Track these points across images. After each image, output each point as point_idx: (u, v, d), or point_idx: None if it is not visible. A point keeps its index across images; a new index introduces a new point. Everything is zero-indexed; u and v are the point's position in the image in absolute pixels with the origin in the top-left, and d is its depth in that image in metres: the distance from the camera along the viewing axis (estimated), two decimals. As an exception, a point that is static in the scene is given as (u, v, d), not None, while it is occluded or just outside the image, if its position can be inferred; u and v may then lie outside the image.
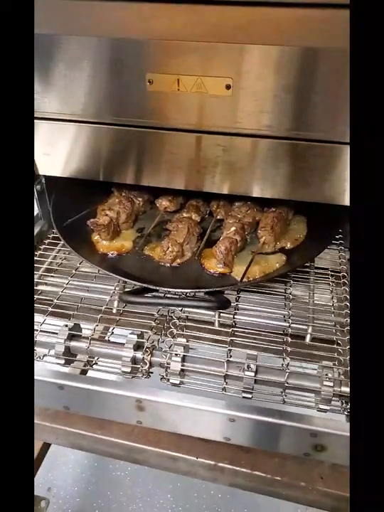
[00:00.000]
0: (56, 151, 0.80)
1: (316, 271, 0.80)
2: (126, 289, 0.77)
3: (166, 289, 0.72)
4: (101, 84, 0.69)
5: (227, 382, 0.60)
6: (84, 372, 0.72)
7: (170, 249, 0.81)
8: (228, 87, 0.63)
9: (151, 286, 0.72)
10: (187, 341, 0.63)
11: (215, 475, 0.75)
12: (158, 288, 0.72)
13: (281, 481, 0.72)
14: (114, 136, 0.74)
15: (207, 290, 0.72)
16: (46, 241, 0.90)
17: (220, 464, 0.73)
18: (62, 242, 0.84)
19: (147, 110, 0.69)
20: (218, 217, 0.94)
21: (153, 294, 0.74)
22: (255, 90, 0.63)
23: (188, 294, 0.73)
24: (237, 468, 0.73)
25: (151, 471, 1.55)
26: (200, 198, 0.99)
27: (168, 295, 0.74)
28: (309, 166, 0.71)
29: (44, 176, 0.90)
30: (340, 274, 0.79)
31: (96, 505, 1.54)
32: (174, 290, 0.72)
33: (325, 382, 0.58)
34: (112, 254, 0.86)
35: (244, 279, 0.74)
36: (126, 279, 0.75)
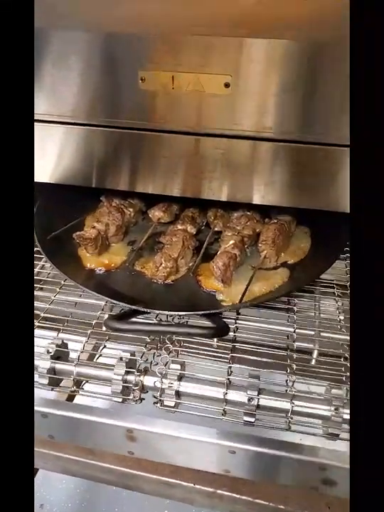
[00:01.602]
0: (44, 155, 0.75)
1: (321, 283, 0.75)
2: (114, 311, 0.71)
3: (158, 312, 0.66)
4: (90, 83, 0.64)
5: (226, 408, 0.55)
6: (71, 398, 0.67)
7: (163, 265, 0.75)
8: (227, 85, 0.59)
9: (141, 308, 0.65)
10: (183, 363, 0.58)
11: (213, 502, 0.70)
12: (149, 311, 0.66)
13: (285, 510, 0.66)
14: (104, 138, 0.70)
15: (203, 312, 0.65)
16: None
17: (219, 491, 0.68)
18: (50, 253, 0.79)
19: (139, 111, 0.65)
20: (216, 228, 0.88)
21: (145, 315, 0.68)
22: (256, 89, 0.59)
23: (182, 317, 0.67)
24: (237, 496, 0.68)
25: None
26: (196, 208, 0.93)
27: (161, 316, 0.67)
28: (313, 171, 0.66)
29: (31, 181, 0.85)
30: (348, 285, 0.73)
31: (90, 522, 1.48)
32: (167, 313, 0.66)
33: (334, 403, 0.53)
34: (99, 270, 0.79)
35: (245, 299, 0.68)
36: (113, 302, 0.68)
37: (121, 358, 0.57)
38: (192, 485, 0.69)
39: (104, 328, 0.65)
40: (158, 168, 0.71)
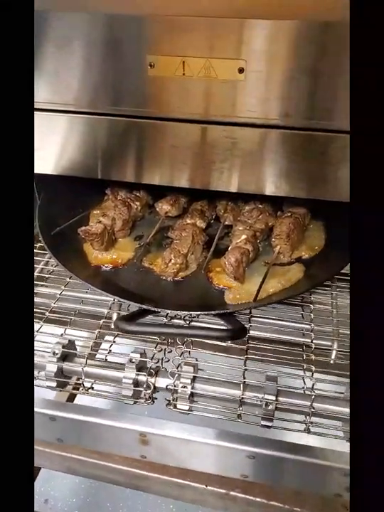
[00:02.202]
0: (47, 145, 0.72)
1: (336, 276, 0.72)
2: (123, 309, 0.69)
3: (168, 311, 0.63)
4: (95, 69, 0.61)
5: (242, 409, 0.53)
6: (72, 397, 0.64)
7: (172, 261, 0.72)
8: (241, 70, 0.55)
9: (151, 308, 0.63)
10: (196, 360, 0.56)
11: (226, 504, 0.68)
12: (159, 310, 0.63)
13: (301, 512, 0.64)
14: (110, 127, 0.66)
15: (217, 312, 0.62)
16: (37, 245, 0.81)
17: (232, 493, 0.66)
18: (54, 247, 0.76)
19: (148, 98, 0.62)
20: (226, 222, 0.85)
21: (155, 315, 0.65)
22: (272, 74, 0.56)
23: (193, 316, 0.64)
24: (251, 498, 0.66)
25: (152, 481, 1.48)
26: (204, 201, 0.90)
27: (171, 315, 0.65)
28: (330, 160, 0.63)
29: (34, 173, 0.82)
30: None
31: (95, 517, 1.47)
32: (179, 313, 0.63)
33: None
34: (106, 267, 0.77)
35: (259, 297, 0.65)
36: (122, 300, 0.65)
37: (131, 360, 0.55)
38: (204, 486, 0.67)
39: (112, 326, 0.62)
40: (167, 158, 0.68)
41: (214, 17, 0.53)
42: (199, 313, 0.62)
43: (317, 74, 0.55)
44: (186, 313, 0.63)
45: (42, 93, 0.65)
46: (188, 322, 0.65)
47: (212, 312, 0.62)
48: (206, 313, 0.62)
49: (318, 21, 0.51)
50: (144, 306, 0.63)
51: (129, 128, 0.66)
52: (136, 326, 0.57)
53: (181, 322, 0.65)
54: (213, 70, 0.57)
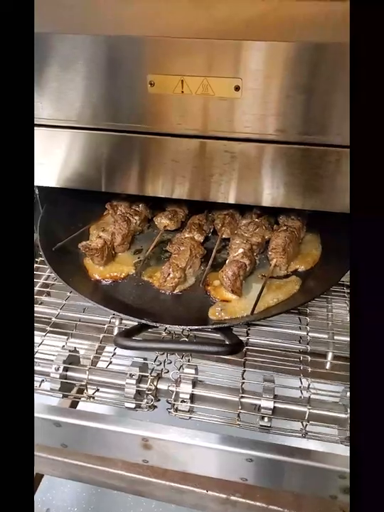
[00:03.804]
0: (50, 160, 0.74)
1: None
2: (125, 319, 0.70)
3: (168, 326, 0.65)
4: (98, 87, 0.63)
5: (241, 414, 0.54)
6: (73, 405, 0.66)
7: (171, 275, 0.73)
8: (237, 88, 0.58)
9: (151, 323, 0.64)
10: (196, 368, 0.57)
11: (226, 509, 0.69)
12: (158, 325, 0.64)
13: (300, 515, 0.66)
14: (112, 143, 0.69)
15: (215, 327, 0.63)
16: (38, 259, 0.83)
17: (233, 498, 0.68)
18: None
19: (148, 115, 0.64)
20: (224, 236, 0.86)
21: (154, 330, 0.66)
22: (267, 92, 0.58)
23: (192, 331, 0.65)
24: (251, 502, 0.67)
25: (154, 489, 1.48)
26: (202, 215, 0.92)
27: (170, 329, 0.66)
28: (325, 173, 0.65)
29: (37, 186, 0.84)
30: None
31: (97, 526, 1.47)
32: (177, 327, 0.64)
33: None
34: (106, 281, 0.78)
35: (256, 309, 0.66)
36: (122, 316, 0.67)
37: (132, 371, 0.56)
38: (205, 491, 0.68)
39: (115, 332, 0.64)
40: (167, 172, 0.70)
41: (211, 39, 0.56)
42: (197, 327, 0.63)
43: (310, 91, 0.57)
44: (186, 328, 0.64)
45: (47, 110, 0.68)
46: (186, 335, 0.67)
47: (210, 327, 0.64)
48: (204, 327, 0.64)
49: (310, 43, 0.54)
50: (143, 321, 0.64)
51: (131, 143, 0.68)
52: (135, 343, 0.58)
53: (180, 335, 0.66)
54: (211, 88, 0.59)
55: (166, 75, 0.59)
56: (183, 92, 0.60)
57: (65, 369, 0.59)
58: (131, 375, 0.57)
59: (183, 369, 0.58)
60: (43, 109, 0.68)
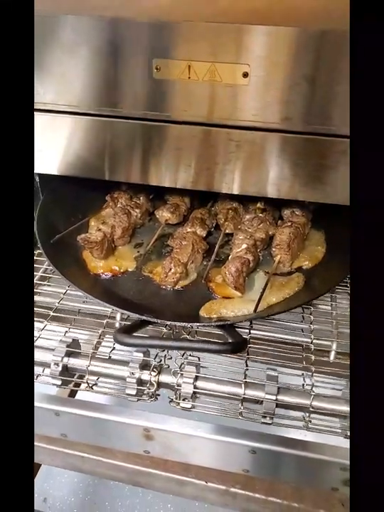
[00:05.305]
0: (51, 146, 0.73)
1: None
2: (123, 319, 0.68)
3: (169, 322, 0.63)
4: (101, 72, 0.62)
5: (243, 407, 0.54)
6: (72, 394, 0.65)
7: (172, 270, 0.72)
8: (245, 75, 0.57)
9: (151, 319, 0.63)
10: (199, 359, 0.57)
11: (225, 500, 0.69)
12: (159, 321, 0.63)
13: (299, 508, 0.66)
14: (115, 129, 0.67)
15: (217, 324, 0.62)
16: (36, 251, 0.81)
17: (232, 489, 0.67)
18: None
19: (152, 101, 0.63)
20: (227, 231, 0.84)
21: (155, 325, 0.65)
22: (275, 79, 0.57)
23: (194, 328, 0.64)
24: (251, 494, 0.67)
25: (150, 480, 1.48)
26: (205, 209, 0.90)
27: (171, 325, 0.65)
28: (332, 164, 0.64)
29: (38, 174, 0.83)
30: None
31: (94, 516, 1.47)
32: (179, 324, 0.63)
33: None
34: (105, 275, 0.76)
35: (260, 307, 0.65)
36: (122, 311, 0.65)
37: (136, 352, 0.56)
38: (204, 483, 0.68)
39: (117, 325, 0.63)
40: (171, 160, 0.69)
41: (219, 22, 0.54)
42: (199, 324, 0.63)
43: (319, 80, 0.56)
44: (187, 325, 0.63)
45: (48, 95, 0.66)
46: (188, 332, 0.66)
47: (213, 324, 0.63)
48: (207, 324, 0.63)
49: (319, 29, 0.53)
50: (144, 317, 0.63)
51: (134, 130, 0.67)
52: (136, 339, 0.57)
53: (180, 332, 0.65)
54: (218, 74, 0.58)
55: (173, 60, 0.58)
56: (189, 77, 0.58)
57: (67, 357, 0.58)
58: (133, 366, 0.56)
59: (184, 366, 0.57)
60: (44, 93, 0.66)
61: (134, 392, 0.56)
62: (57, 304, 0.68)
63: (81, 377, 0.59)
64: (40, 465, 1.17)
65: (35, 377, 0.58)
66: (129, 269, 0.78)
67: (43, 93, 0.66)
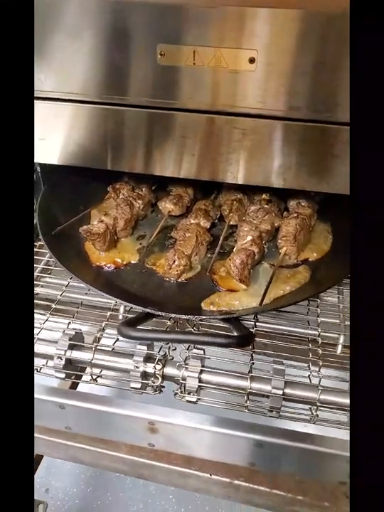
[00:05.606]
0: (52, 135, 0.71)
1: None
2: (126, 311, 0.68)
3: (173, 315, 0.62)
4: (103, 58, 0.60)
5: (249, 399, 0.53)
6: (73, 386, 0.65)
7: (176, 262, 0.71)
8: (252, 60, 0.55)
9: (156, 312, 0.62)
10: (204, 352, 0.56)
11: (229, 492, 0.69)
12: (163, 314, 0.62)
13: (303, 500, 0.65)
14: (119, 117, 0.66)
15: (222, 317, 0.62)
16: (37, 244, 0.80)
17: (236, 482, 0.67)
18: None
19: (156, 88, 0.61)
20: (231, 222, 0.83)
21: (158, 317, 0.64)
22: (282, 65, 0.55)
23: (199, 321, 0.63)
24: (254, 486, 0.66)
25: (152, 471, 1.49)
26: (208, 200, 0.89)
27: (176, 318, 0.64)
28: (338, 153, 0.63)
29: (39, 164, 0.81)
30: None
31: (96, 507, 1.48)
32: (183, 317, 0.62)
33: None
34: (108, 267, 0.75)
35: (266, 300, 0.63)
36: (125, 303, 0.64)
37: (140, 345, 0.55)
38: (208, 475, 0.68)
39: (120, 317, 0.62)
40: (175, 149, 0.67)
41: (224, 6, 0.53)
42: (204, 317, 0.62)
43: (327, 67, 0.55)
44: (192, 317, 0.62)
45: (49, 82, 0.65)
46: (192, 325, 0.65)
47: (218, 317, 0.62)
48: (211, 317, 0.62)
49: (329, 13, 0.51)
50: (148, 310, 0.62)
51: (137, 118, 0.65)
52: (140, 333, 0.56)
53: (185, 324, 0.64)
54: (224, 59, 0.56)
55: (178, 45, 0.56)
56: (194, 63, 0.57)
57: (70, 350, 0.57)
58: (137, 359, 0.55)
59: (189, 359, 0.56)
60: (45, 81, 0.65)
61: (138, 385, 0.55)
62: (59, 296, 0.67)
63: (82, 370, 0.59)
64: (42, 456, 1.17)
65: (38, 369, 0.58)
66: (132, 262, 0.76)
67: (43, 80, 0.64)
